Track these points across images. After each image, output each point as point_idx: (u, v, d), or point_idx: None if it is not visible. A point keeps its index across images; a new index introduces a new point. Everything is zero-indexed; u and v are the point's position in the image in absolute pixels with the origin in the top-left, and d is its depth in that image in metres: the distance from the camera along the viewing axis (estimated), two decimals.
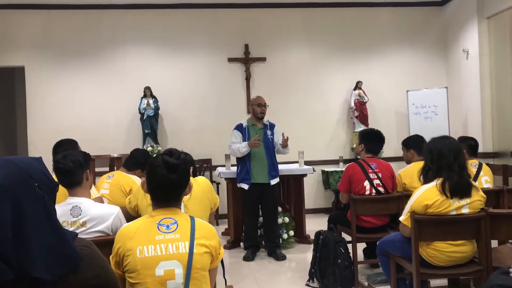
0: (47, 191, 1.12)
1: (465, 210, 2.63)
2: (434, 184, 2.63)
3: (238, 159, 4.73)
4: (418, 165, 3.26)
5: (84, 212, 2.20)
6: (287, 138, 4.58)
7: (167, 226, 1.63)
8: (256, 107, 4.66)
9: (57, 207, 2.18)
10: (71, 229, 2.12)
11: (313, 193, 7.01)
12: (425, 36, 7.23)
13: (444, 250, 2.67)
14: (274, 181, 4.63)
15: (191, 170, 2.17)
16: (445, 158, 2.63)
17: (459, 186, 2.59)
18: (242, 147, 4.52)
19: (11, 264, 1.00)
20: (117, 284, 1.31)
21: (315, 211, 6.89)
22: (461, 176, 2.60)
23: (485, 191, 3.07)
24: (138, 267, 1.56)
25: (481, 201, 2.68)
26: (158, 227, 1.63)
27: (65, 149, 3.27)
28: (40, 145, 6.26)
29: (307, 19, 7.05)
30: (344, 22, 7.13)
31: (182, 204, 2.16)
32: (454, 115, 6.78)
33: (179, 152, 1.78)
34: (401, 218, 2.77)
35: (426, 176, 2.72)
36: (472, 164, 3.82)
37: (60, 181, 2.29)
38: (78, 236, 1.32)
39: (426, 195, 2.62)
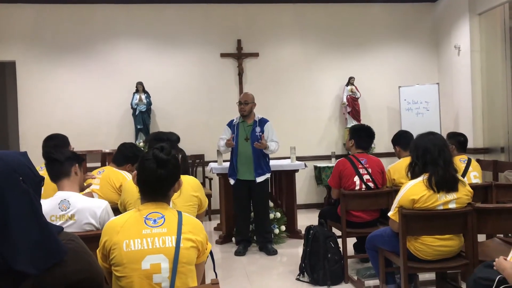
0: (32, 185, 1.13)
1: (452, 205, 2.67)
2: (421, 180, 2.67)
3: (230, 154, 4.78)
4: (406, 160, 3.30)
5: (73, 205, 2.22)
6: (260, 143, 4.49)
7: (154, 221, 1.64)
8: (238, 105, 4.73)
9: (45, 201, 2.19)
10: (59, 223, 2.14)
11: (305, 188, 7.04)
12: (417, 32, 7.27)
13: (431, 244, 2.70)
14: (260, 179, 4.60)
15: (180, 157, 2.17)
16: (430, 153, 2.67)
17: (444, 180, 2.62)
18: (221, 146, 4.70)
19: None
20: (102, 278, 1.32)
21: (307, 206, 6.93)
22: (447, 170, 2.63)
23: (474, 186, 3.12)
24: (124, 260, 1.57)
25: (468, 196, 2.72)
26: (145, 221, 1.64)
27: (56, 143, 3.28)
28: (31, 140, 6.23)
29: (299, 15, 7.05)
30: (336, 18, 7.14)
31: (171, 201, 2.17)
32: (445, 111, 6.83)
33: (170, 148, 1.80)
34: (389, 214, 2.81)
35: (413, 172, 2.76)
36: (461, 160, 3.87)
37: (49, 172, 2.32)
38: (66, 230, 1.33)
39: (413, 190, 2.66)
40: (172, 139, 2.84)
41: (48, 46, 6.58)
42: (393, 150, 4.22)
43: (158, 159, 1.71)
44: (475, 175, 3.85)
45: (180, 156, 2.45)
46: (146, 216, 1.66)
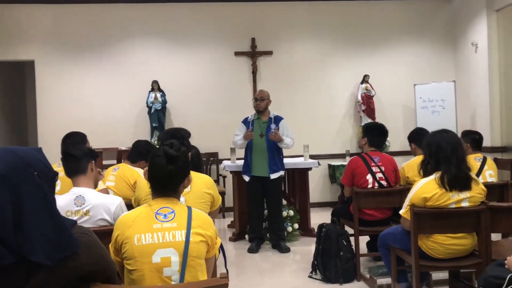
0: (46, 180, 1.16)
1: (465, 204, 2.64)
2: (433, 178, 2.65)
3: (244, 151, 4.82)
4: (421, 158, 3.27)
5: (88, 201, 2.27)
6: (274, 133, 4.55)
7: (165, 215, 1.68)
8: (253, 101, 4.79)
9: (61, 197, 2.25)
10: (74, 218, 2.19)
11: (319, 187, 7.04)
12: (433, 29, 7.18)
13: (443, 243, 2.68)
14: (274, 175, 4.65)
15: (189, 155, 2.21)
16: (443, 151, 2.64)
17: (457, 179, 2.60)
18: (239, 139, 4.71)
19: (12, 249, 1.05)
20: (114, 271, 1.36)
21: (321, 204, 6.91)
22: (460, 168, 2.61)
23: (489, 185, 3.08)
24: (136, 254, 1.61)
25: (482, 195, 2.69)
26: (155, 216, 1.68)
27: (74, 141, 3.35)
28: (50, 139, 6.36)
29: (313, 12, 7.04)
30: (350, 15, 7.10)
31: (182, 197, 2.21)
32: (462, 109, 6.73)
33: (180, 145, 1.83)
34: (401, 211, 2.79)
35: (426, 169, 2.74)
36: (476, 158, 3.82)
37: (66, 167, 2.38)
38: (80, 224, 1.37)
39: (425, 188, 2.64)
40: (184, 136, 2.89)
41: (66, 46, 6.71)
42: (408, 148, 4.19)
43: (168, 155, 1.75)
44: (490, 174, 3.80)
45: (190, 153, 2.48)
46: (157, 211, 1.69)
